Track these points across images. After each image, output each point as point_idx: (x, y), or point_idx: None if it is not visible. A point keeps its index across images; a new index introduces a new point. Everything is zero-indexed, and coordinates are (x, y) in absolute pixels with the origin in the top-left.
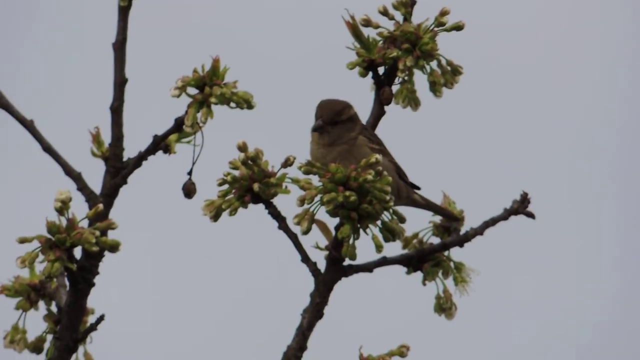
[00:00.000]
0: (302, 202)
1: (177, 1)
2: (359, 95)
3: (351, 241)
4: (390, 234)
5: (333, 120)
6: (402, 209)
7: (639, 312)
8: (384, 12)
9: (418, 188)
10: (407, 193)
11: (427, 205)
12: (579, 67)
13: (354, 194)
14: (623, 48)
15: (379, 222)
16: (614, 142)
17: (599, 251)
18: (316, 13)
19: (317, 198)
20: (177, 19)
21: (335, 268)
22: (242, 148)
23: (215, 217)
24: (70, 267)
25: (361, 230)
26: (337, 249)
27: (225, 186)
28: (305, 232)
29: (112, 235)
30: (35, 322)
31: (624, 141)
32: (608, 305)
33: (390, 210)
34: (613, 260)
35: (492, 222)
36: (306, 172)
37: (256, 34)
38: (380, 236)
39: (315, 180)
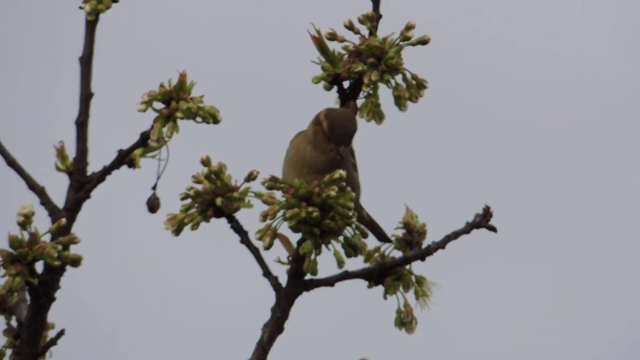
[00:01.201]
0: (264, 217)
1: (145, 16)
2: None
3: (313, 256)
4: (353, 249)
5: (348, 141)
6: None
7: (601, 324)
8: (350, 26)
9: None
10: (358, 208)
11: (370, 223)
12: (544, 77)
13: (316, 209)
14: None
15: (341, 238)
16: (575, 154)
17: (561, 265)
18: (282, 27)
19: (280, 213)
20: (144, 34)
21: (297, 282)
22: (206, 162)
23: (177, 231)
24: (31, 282)
25: (323, 246)
26: (299, 263)
27: (188, 200)
28: (268, 248)
29: (74, 249)
30: None
31: (583, 151)
32: (570, 317)
33: (353, 226)
34: (576, 273)
35: (454, 235)
36: (269, 187)
37: (222, 49)
38: (342, 252)
39: (278, 195)
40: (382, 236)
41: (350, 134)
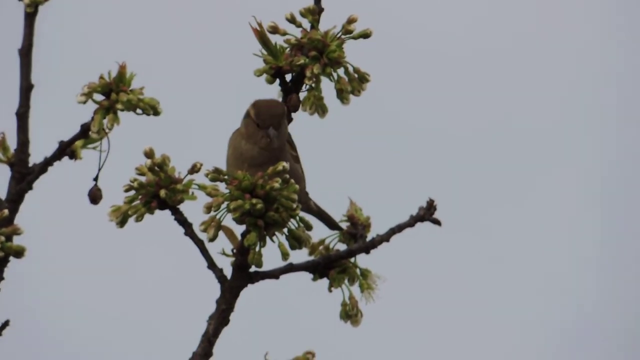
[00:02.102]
0: (208, 209)
1: (84, 7)
2: None
3: (257, 249)
4: (297, 241)
5: (273, 126)
6: (309, 216)
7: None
8: (292, 20)
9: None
10: (304, 199)
11: (319, 212)
12: (486, 70)
13: (260, 201)
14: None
15: (285, 230)
16: (517, 144)
17: (505, 256)
18: (224, 20)
19: (224, 205)
20: (84, 25)
21: (242, 275)
22: (149, 154)
23: (122, 223)
24: None
25: (268, 238)
26: (244, 256)
27: (132, 192)
28: (212, 239)
29: (17, 241)
30: None
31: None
32: (519, 311)
33: (297, 218)
34: (520, 267)
35: (398, 228)
36: (213, 179)
37: (163, 40)
38: (286, 244)
39: (222, 187)
40: (332, 224)
41: (276, 116)
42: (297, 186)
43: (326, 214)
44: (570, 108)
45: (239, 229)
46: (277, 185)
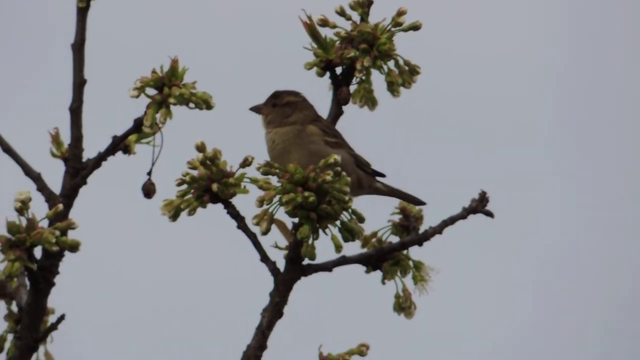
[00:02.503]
0: (261, 202)
1: (136, 2)
2: (317, 95)
3: (310, 241)
4: (350, 233)
5: (271, 102)
6: (362, 208)
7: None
8: (341, 13)
9: (383, 175)
10: (369, 182)
11: (391, 192)
12: (534, 70)
13: (312, 194)
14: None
15: (338, 222)
16: (571, 141)
17: (557, 250)
18: (274, 14)
19: (276, 199)
20: (136, 20)
21: (295, 267)
22: (201, 148)
23: (174, 216)
24: (30, 267)
25: (320, 230)
26: (296, 249)
27: (184, 186)
28: (265, 233)
29: (72, 235)
30: None
31: (577, 138)
32: (568, 304)
33: (350, 210)
34: (571, 259)
35: (451, 221)
36: (265, 173)
37: (216, 35)
38: (339, 236)
39: (274, 180)
40: (411, 200)
41: (276, 96)
42: (348, 179)
43: (400, 191)
44: None
45: (291, 222)
46: (329, 177)
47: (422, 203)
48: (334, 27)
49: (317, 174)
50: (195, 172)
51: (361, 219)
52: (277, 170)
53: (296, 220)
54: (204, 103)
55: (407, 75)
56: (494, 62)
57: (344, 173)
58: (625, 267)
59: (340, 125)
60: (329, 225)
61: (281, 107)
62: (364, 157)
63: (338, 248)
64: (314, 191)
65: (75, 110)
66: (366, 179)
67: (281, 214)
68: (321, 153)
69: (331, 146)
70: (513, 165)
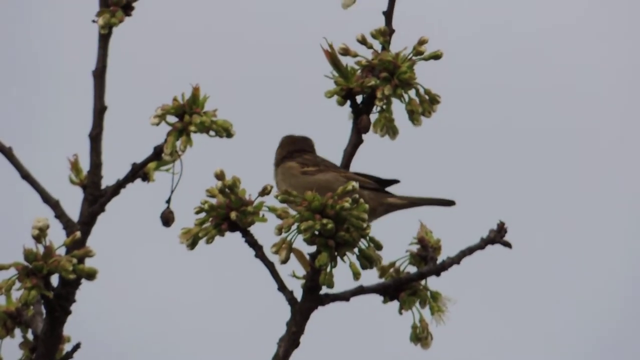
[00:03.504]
0: (279, 230)
1: (158, 30)
2: (337, 123)
3: (328, 269)
4: (368, 261)
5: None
6: (380, 237)
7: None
8: (362, 41)
9: (396, 181)
10: (378, 200)
11: (411, 203)
12: (560, 93)
13: (330, 221)
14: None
15: (356, 250)
16: (590, 171)
17: (575, 281)
18: (295, 42)
19: (294, 226)
20: (157, 47)
21: (312, 297)
22: (220, 176)
23: (192, 245)
24: (46, 295)
25: (339, 258)
26: (314, 278)
27: (203, 214)
28: (284, 262)
29: (89, 263)
30: (11, 350)
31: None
32: (588, 335)
33: (367, 238)
34: (591, 290)
35: (469, 251)
36: (283, 201)
37: (236, 63)
38: (357, 263)
39: (292, 209)
40: (436, 202)
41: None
42: (366, 205)
43: (421, 198)
44: None
45: (308, 250)
46: (347, 204)
47: (451, 203)
48: (355, 55)
49: (335, 201)
50: (214, 201)
51: (379, 247)
52: (295, 198)
53: (314, 248)
54: (225, 131)
55: (427, 104)
56: (515, 93)
57: (362, 200)
58: None
59: (361, 154)
60: (348, 253)
61: (278, 149)
62: (367, 174)
63: (356, 275)
64: (332, 218)
65: (95, 137)
66: (374, 196)
67: (299, 243)
68: (301, 184)
69: (311, 174)
70: (533, 196)
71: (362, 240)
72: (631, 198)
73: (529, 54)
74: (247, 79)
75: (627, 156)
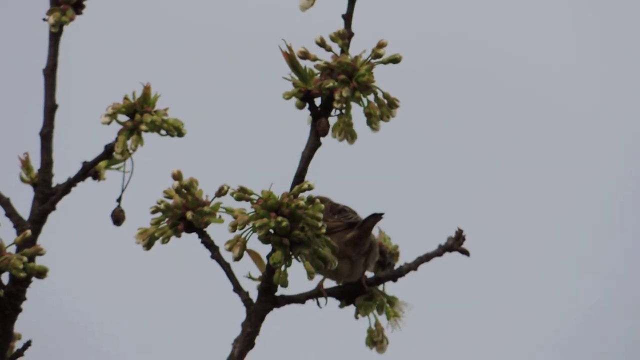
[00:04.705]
0: (234, 228)
1: (109, 29)
2: (296, 126)
3: (283, 268)
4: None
5: None
6: None
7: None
8: (322, 44)
9: (380, 215)
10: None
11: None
12: (516, 99)
13: (285, 219)
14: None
15: (310, 249)
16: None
17: (532, 289)
18: (253, 43)
19: (250, 225)
20: (108, 46)
21: (267, 298)
22: (177, 176)
23: (148, 245)
24: None
25: (293, 257)
26: (269, 280)
27: (159, 214)
28: (237, 259)
29: (40, 261)
30: None
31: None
32: (545, 342)
33: (322, 238)
34: (548, 297)
35: (427, 257)
36: (238, 198)
37: (190, 63)
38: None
39: (249, 209)
40: (373, 220)
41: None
42: (322, 205)
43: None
44: None
45: (265, 253)
46: (302, 203)
47: (378, 216)
48: (315, 59)
49: (291, 200)
50: (170, 201)
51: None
52: (251, 196)
53: (270, 249)
54: (176, 130)
55: (385, 108)
56: (472, 98)
57: (317, 199)
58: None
59: (318, 157)
60: (302, 252)
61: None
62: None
63: (310, 275)
64: (287, 217)
65: (46, 136)
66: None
67: (254, 242)
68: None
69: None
70: (491, 203)
71: (317, 240)
72: (585, 201)
73: (488, 58)
74: (202, 78)
75: (584, 162)
